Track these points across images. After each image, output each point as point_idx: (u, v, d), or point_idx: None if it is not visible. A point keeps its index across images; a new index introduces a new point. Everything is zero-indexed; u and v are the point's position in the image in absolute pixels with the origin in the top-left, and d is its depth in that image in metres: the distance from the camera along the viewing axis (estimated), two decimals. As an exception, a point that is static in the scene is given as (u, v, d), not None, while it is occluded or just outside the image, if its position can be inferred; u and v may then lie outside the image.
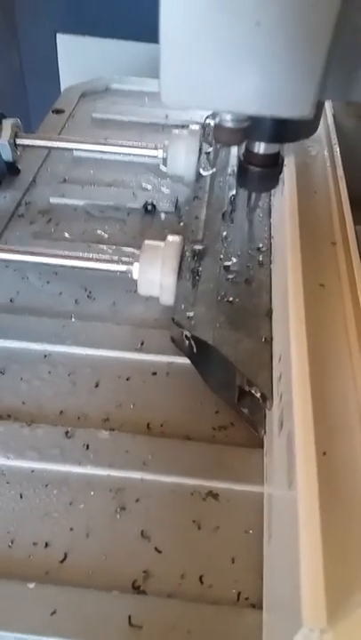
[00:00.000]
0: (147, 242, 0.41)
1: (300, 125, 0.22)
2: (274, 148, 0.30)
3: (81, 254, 0.44)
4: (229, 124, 0.25)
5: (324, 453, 0.25)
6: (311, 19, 0.19)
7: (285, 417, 0.26)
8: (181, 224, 0.52)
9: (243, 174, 0.31)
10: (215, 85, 0.21)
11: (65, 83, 1.17)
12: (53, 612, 0.28)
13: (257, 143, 0.29)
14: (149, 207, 0.53)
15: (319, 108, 0.29)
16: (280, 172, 0.31)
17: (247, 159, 0.30)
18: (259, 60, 0.20)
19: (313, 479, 0.22)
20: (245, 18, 0.19)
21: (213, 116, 0.26)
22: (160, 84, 0.21)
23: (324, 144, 0.44)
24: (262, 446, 0.34)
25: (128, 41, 1.21)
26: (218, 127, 0.26)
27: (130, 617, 0.27)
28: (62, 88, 0.81)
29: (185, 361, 0.39)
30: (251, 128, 0.25)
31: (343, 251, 0.34)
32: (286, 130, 0.28)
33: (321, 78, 0.20)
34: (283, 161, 0.31)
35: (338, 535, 0.22)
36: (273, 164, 0.30)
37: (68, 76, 1.29)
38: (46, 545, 0.30)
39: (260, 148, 0.29)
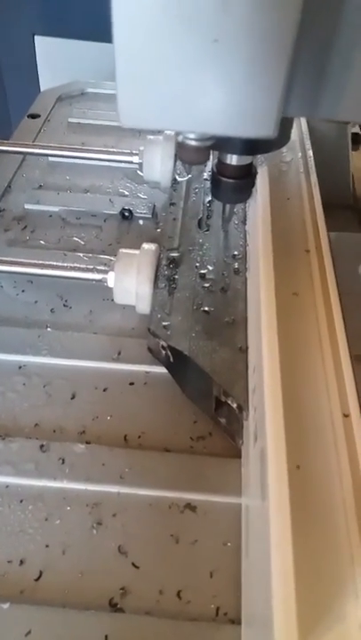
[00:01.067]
0: (122, 250, 0.41)
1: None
2: (246, 159, 0.29)
3: (56, 263, 0.43)
4: (193, 143, 0.24)
5: (298, 467, 0.25)
6: (270, 36, 0.18)
7: (259, 431, 0.26)
8: (159, 230, 0.51)
9: (215, 186, 0.31)
10: (175, 104, 0.20)
11: (45, 86, 1.16)
12: (28, 633, 0.27)
13: (229, 155, 0.29)
14: (126, 213, 0.52)
15: (290, 118, 0.29)
16: (253, 183, 0.31)
17: (219, 170, 0.30)
18: (218, 78, 0.20)
19: (285, 499, 0.22)
20: (203, 35, 0.19)
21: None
22: (118, 105, 0.21)
23: (297, 149, 0.44)
24: (240, 456, 0.33)
25: (108, 43, 1.20)
26: (182, 146, 0.25)
27: (106, 636, 0.27)
28: (42, 90, 0.79)
29: (163, 370, 0.39)
30: (221, 141, 0.25)
31: (317, 258, 0.34)
32: (257, 142, 0.27)
33: (283, 96, 0.20)
34: (256, 172, 0.31)
35: (311, 553, 0.22)
36: (245, 176, 0.30)
37: (48, 79, 1.28)
38: (21, 562, 0.30)
39: (233, 159, 0.29)
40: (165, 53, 0.19)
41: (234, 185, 0.30)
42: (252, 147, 0.28)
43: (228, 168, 0.30)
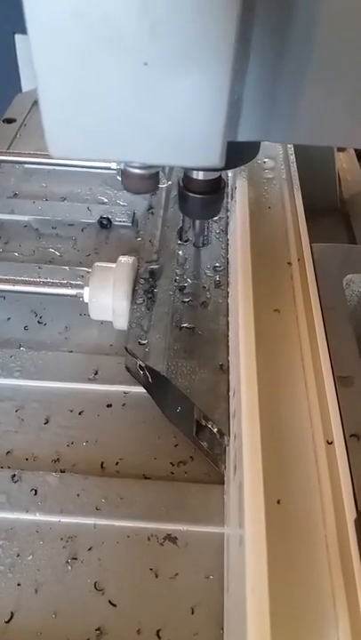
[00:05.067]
0: (97, 264, 0.39)
1: (237, 153, 0.20)
2: (213, 173, 0.27)
3: (29, 278, 0.41)
4: (137, 171, 0.22)
5: (279, 502, 0.23)
6: (206, 59, 0.16)
7: (238, 462, 0.24)
8: (139, 239, 0.49)
9: (182, 201, 0.29)
10: (107, 134, 0.18)
11: (27, 87, 1.13)
12: None
13: (195, 170, 0.27)
14: (105, 222, 0.50)
15: None
16: (222, 198, 0.29)
17: (185, 185, 0.28)
18: (152, 103, 0.18)
19: (261, 539, 0.20)
20: (130, 58, 0.17)
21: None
22: (45, 135, 0.19)
23: (279, 153, 0.43)
24: (223, 482, 0.32)
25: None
26: (125, 174, 0.23)
27: None
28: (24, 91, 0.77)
29: (142, 390, 0.37)
30: None
31: (299, 272, 0.32)
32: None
33: (228, 121, 0.18)
34: (225, 186, 0.29)
35: (290, 596, 0.20)
36: (213, 191, 0.28)
37: (31, 80, 1.25)
38: (-9, 604, 0.28)
39: (199, 174, 0.27)
40: (91, 77, 0.17)
41: (201, 200, 0.28)
42: None
43: (194, 183, 0.28)
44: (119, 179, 0.52)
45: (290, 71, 0.19)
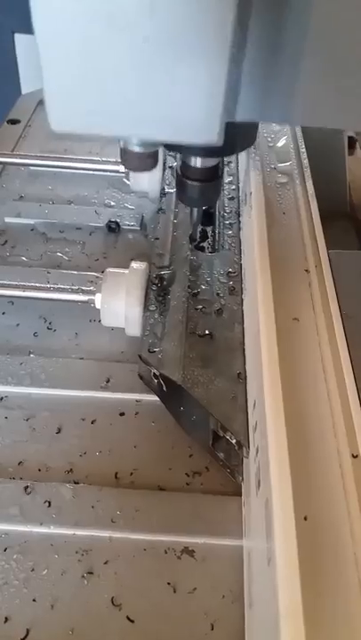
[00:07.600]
0: (109, 269, 0.39)
1: (232, 138, 0.20)
2: (211, 160, 0.27)
3: (39, 284, 0.40)
4: (137, 149, 0.22)
5: (305, 518, 0.22)
6: (205, 34, 0.17)
7: (263, 477, 0.24)
8: (149, 237, 0.48)
9: (180, 188, 0.29)
10: (108, 108, 0.19)
11: (27, 88, 1.11)
12: None
13: (192, 156, 0.27)
14: (113, 225, 0.50)
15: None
16: (219, 186, 0.29)
17: (183, 172, 0.28)
18: (152, 79, 0.18)
19: (293, 558, 0.19)
20: (131, 33, 0.17)
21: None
22: (46, 109, 0.19)
23: (292, 157, 0.42)
24: (240, 493, 0.31)
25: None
26: (125, 152, 0.23)
27: None
28: (24, 92, 0.76)
29: (155, 398, 0.36)
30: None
31: (317, 279, 0.32)
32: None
33: (227, 99, 0.18)
34: (222, 173, 0.29)
35: (321, 617, 0.20)
36: (211, 178, 0.28)
37: (31, 81, 1.23)
38: (6, 620, 0.27)
39: (197, 161, 0.27)
40: (93, 54, 0.17)
41: (199, 188, 0.28)
42: (213, 148, 0.26)
43: (192, 170, 0.28)
44: (127, 182, 0.52)
45: (286, 50, 0.19)
